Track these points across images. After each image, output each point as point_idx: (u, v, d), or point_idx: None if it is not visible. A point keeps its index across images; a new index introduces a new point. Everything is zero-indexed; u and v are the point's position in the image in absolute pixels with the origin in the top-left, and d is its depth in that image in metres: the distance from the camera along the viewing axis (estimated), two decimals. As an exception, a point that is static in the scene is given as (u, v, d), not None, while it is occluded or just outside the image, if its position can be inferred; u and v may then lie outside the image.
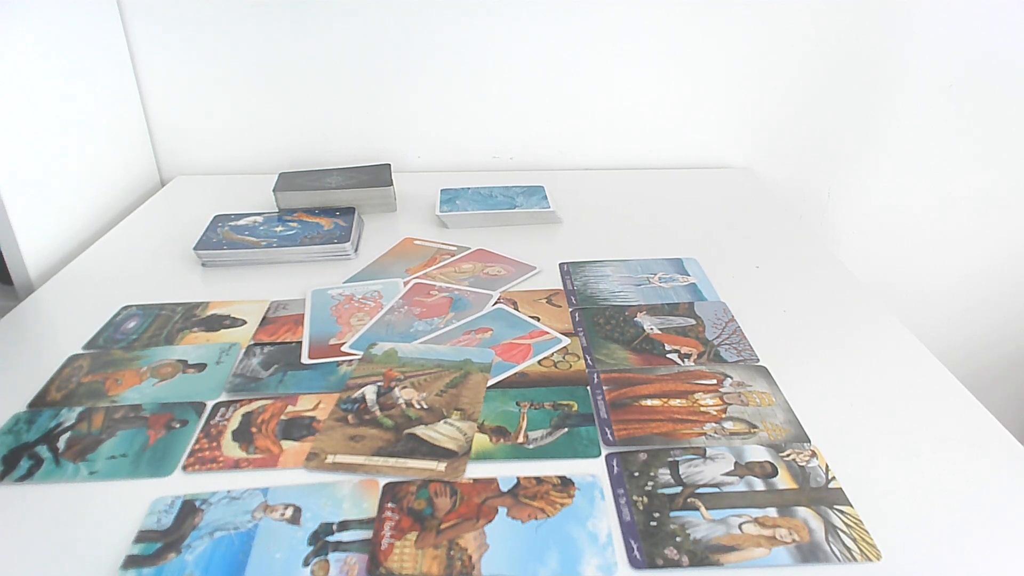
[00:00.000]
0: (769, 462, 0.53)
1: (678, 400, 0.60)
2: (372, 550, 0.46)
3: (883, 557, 0.46)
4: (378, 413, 0.58)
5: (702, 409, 0.59)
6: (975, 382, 1.34)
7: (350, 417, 0.58)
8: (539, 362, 0.65)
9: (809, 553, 0.46)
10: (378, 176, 1.00)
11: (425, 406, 0.59)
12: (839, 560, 0.46)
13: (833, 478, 0.52)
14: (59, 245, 0.87)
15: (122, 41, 1.02)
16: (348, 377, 0.63)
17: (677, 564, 0.46)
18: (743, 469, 0.53)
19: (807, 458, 0.54)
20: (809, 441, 0.56)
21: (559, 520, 0.48)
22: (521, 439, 0.56)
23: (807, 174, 1.18)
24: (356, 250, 0.87)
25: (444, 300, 0.75)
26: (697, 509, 0.49)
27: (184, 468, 0.53)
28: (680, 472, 0.53)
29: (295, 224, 0.90)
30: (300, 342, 0.68)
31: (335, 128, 1.12)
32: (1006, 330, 1.32)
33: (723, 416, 0.58)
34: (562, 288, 0.78)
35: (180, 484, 0.52)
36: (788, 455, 0.54)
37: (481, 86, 1.09)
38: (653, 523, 0.48)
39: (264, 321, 0.72)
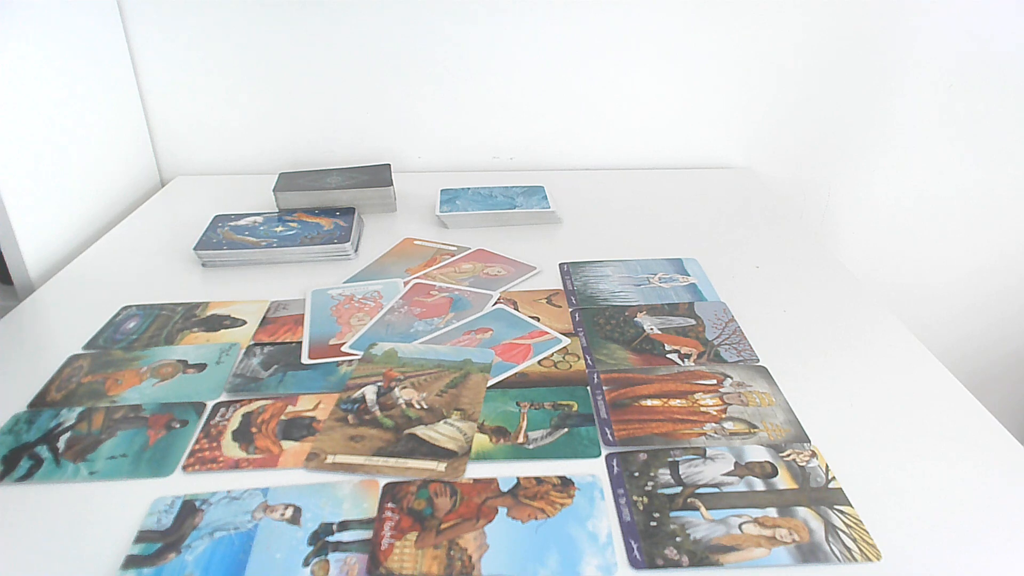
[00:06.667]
0: (769, 462, 0.53)
1: (678, 400, 0.60)
2: (372, 550, 0.46)
3: (883, 557, 0.46)
4: (378, 413, 0.58)
5: (702, 409, 0.59)
6: (975, 381, 1.34)
7: (350, 417, 0.58)
8: (539, 362, 0.65)
9: (809, 553, 0.46)
10: (378, 176, 1.00)
11: (425, 406, 0.59)
12: (839, 560, 0.46)
13: (833, 478, 0.52)
14: (59, 245, 0.87)
15: (122, 41, 1.03)
16: (348, 377, 0.63)
17: (677, 564, 0.46)
18: (743, 469, 0.53)
19: (807, 458, 0.54)
20: (809, 441, 0.56)
21: (559, 520, 0.48)
22: (521, 439, 0.56)
23: (807, 173, 1.18)
24: (356, 250, 0.87)
25: (444, 300, 0.75)
26: (697, 509, 0.49)
27: (184, 468, 0.53)
28: (680, 472, 0.53)
29: (295, 224, 0.90)
30: (300, 342, 0.68)
31: (335, 128, 1.12)
32: (1006, 329, 1.32)
33: (723, 416, 0.58)
34: (562, 288, 0.78)
35: (180, 484, 0.52)
36: (788, 455, 0.54)
37: (481, 86, 1.09)
38: (653, 523, 0.48)
39: (264, 321, 0.72)
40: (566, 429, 0.57)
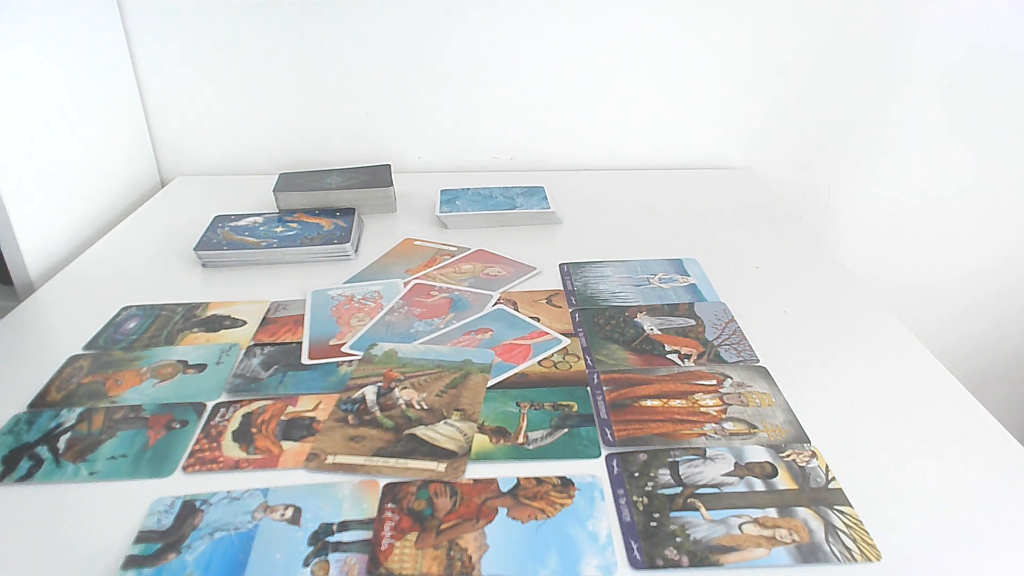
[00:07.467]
0: (769, 462, 0.53)
1: (678, 401, 0.60)
2: (372, 550, 0.46)
3: (883, 557, 0.46)
4: (378, 414, 0.58)
5: (702, 410, 0.59)
6: (975, 381, 1.34)
7: (350, 418, 0.58)
8: (539, 363, 0.65)
9: (809, 553, 0.46)
10: (378, 177, 1.00)
11: (425, 406, 0.59)
12: (839, 560, 0.46)
13: (833, 478, 0.52)
14: (59, 245, 0.87)
15: (122, 41, 1.02)
16: (348, 378, 0.63)
17: (677, 564, 0.46)
18: (743, 469, 0.53)
19: (807, 458, 0.54)
20: (809, 441, 0.56)
21: (559, 520, 0.48)
22: (521, 439, 0.56)
23: (807, 173, 1.18)
24: (356, 251, 0.87)
25: (444, 301, 0.75)
26: (697, 509, 0.49)
27: (184, 468, 0.53)
28: (680, 472, 0.53)
29: (295, 224, 0.90)
30: (300, 343, 0.68)
31: (335, 128, 1.12)
32: (1006, 329, 1.32)
33: (723, 417, 0.58)
34: (562, 289, 0.78)
35: (180, 484, 0.52)
36: (788, 455, 0.54)
37: (481, 86, 1.09)
38: (653, 523, 0.48)
39: (264, 322, 0.72)
40: (566, 429, 0.57)
